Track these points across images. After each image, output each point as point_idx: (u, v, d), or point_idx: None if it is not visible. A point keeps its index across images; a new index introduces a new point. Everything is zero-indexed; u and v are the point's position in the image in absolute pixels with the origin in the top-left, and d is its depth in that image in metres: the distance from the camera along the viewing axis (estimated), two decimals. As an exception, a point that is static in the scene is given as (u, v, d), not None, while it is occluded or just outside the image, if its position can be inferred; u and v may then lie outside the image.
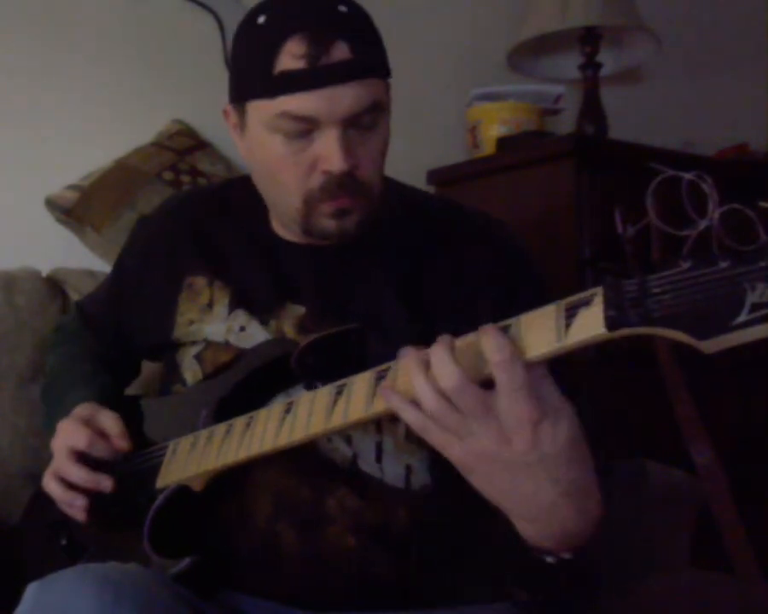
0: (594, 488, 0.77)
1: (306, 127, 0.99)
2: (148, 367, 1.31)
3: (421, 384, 0.74)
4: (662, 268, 0.66)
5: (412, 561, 1.01)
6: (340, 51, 0.97)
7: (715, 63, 2.74)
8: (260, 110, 1.01)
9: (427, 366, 0.75)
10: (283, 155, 1.01)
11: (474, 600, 1.03)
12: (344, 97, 0.98)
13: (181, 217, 1.19)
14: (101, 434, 1.05)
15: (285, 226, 1.11)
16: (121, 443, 1.04)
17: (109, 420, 1.06)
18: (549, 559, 0.79)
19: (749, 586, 1.52)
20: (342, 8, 1.00)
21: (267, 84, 0.99)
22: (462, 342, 0.76)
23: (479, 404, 0.72)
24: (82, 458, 1.04)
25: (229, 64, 1.10)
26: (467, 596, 1.04)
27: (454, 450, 0.75)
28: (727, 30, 2.75)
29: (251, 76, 1.02)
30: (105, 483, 1.03)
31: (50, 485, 1.05)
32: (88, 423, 1.06)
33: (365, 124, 1.00)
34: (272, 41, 0.99)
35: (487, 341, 0.72)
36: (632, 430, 1.86)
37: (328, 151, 0.99)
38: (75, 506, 1.04)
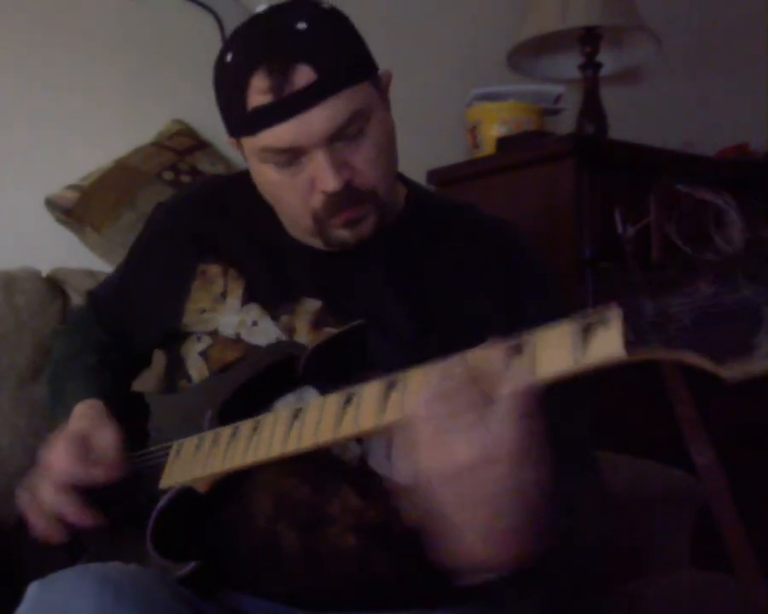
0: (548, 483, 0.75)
1: (292, 155, 1.00)
2: (158, 367, 1.31)
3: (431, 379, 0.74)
4: (683, 289, 0.65)
5: (413, 561, 1.01)
6: (303, 76, 0.97)
7: (715, 63, 2.74)
8: (248, 144, 1.03)
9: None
10: (280, 182, 1.03)
11: (474, 600, 1.03)
12: (317, 120, 0.97)
13: (185, 216, 1.19)
14: (93, 459, 1.01)
15: (297, 232, 1.11)
16: (110, 473, 1.01)
17: (106, 444, 1.02)
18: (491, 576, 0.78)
19: (749, 586, 1.52)
20: (301, 26, 0.99)
21: (245, 123, 1.01)
22: (476, 356, 0.75)
23: (471, 408, 0.72)
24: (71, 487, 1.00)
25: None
26: (467, 596, 1.03)
27: (457, 451, 0.75)
28: (727, 30, 2.76)
29: (231, 115, 1.03)
30: (96, 519, 1.00)
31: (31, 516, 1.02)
32: (84, 441, 1.02)
33: (351, 133, 1.00)
34: (240, 80, 0.99)
35: (508, 369, 0.71)
36: (632, 430, 1.86)
37: (319, 173, 0.99)
38: (52, 538, 1.02)
